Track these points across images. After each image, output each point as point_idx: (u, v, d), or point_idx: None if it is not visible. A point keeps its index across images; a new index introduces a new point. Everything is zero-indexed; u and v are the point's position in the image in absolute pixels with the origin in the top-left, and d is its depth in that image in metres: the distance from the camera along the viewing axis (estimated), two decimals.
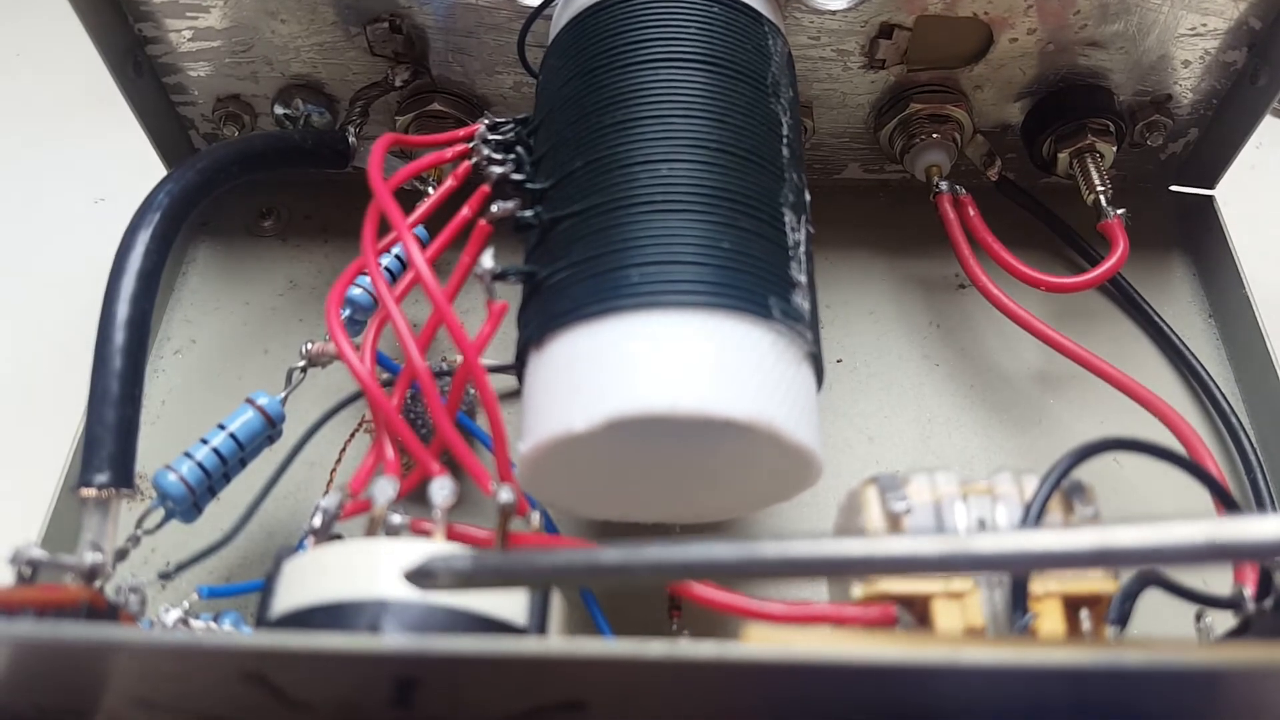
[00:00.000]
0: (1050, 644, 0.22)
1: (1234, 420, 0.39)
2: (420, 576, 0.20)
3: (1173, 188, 0.46)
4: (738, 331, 0.26)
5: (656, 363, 0.26)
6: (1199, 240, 0.44)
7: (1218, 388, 0.40)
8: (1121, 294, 0.43)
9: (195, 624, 0.29)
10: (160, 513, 0.31)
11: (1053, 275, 0.38)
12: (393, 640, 0.19)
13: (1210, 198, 0.45)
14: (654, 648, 0.18)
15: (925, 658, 0.18)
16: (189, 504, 0.31)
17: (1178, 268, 0.44)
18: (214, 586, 0.32)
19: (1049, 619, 0.23)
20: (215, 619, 0.30)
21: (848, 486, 0.27)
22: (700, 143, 0.29)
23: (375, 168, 0.29)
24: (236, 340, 0.42)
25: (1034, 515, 0.24)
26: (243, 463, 0.32)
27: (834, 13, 0.37)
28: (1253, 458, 0.38)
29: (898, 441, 0.39)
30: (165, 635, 0.19)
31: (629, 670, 0.19)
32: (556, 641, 0.22)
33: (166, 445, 0.37)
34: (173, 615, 0.29)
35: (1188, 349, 0.41)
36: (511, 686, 0.20)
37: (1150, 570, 0.24)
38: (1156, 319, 0.42)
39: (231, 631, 0.29)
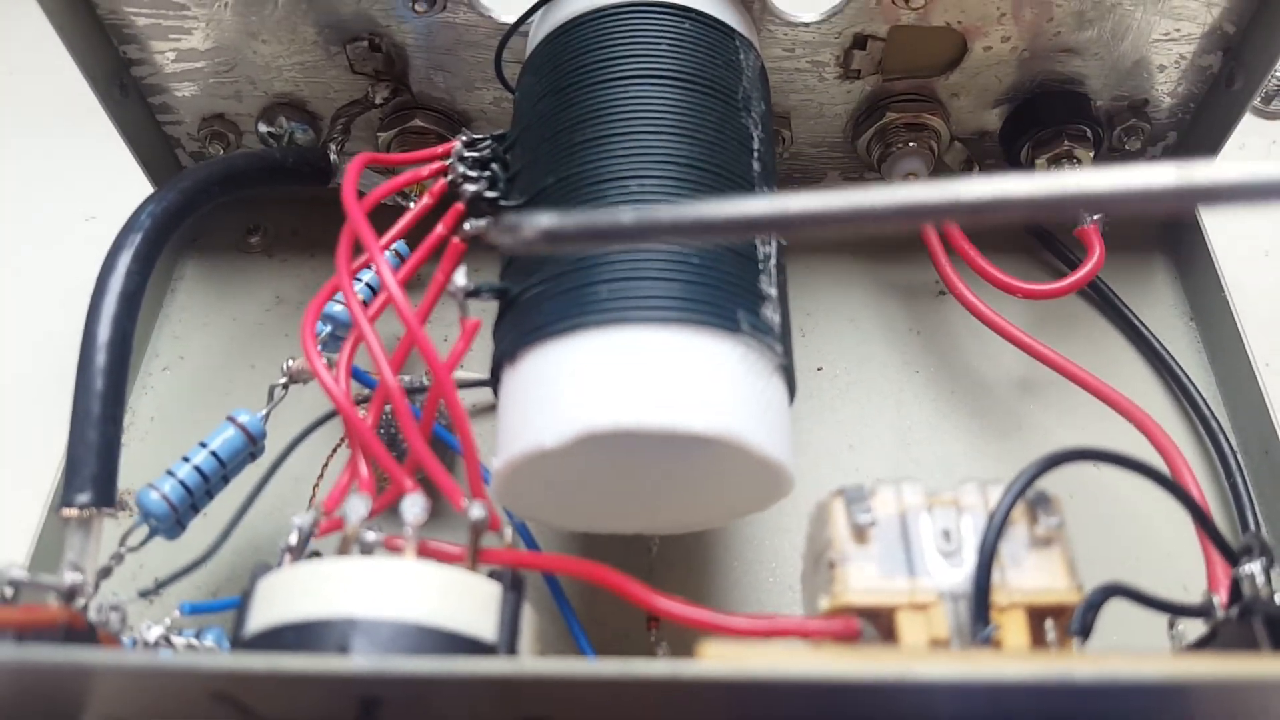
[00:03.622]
0: (1005, 657, 0.22)
1: (1214, 423, 0.39)
2: (504, 232, 0.20)
3: None
4: (706, 346, 0.27)
5: (624, 378, 0.26)
6: (1180, 243, 0.45)
7: (1198, 391, 0.40)
8: (1102, 297, 0.43)
9: (177, 640, 0.30)
10: (144, 530, 0.31)
11: (1029, 282, 0.38)
12: (352, 661, 0.20)
13: None
14: (608, 666, 0.18)
15: (874, 672, 0.18)
16: (172, 521, 0.31)
17: (1159, 271, 0.44)
18: (195, 603, 0.33)
19: (1012, 631, 0.23)
20: (198, 635, 0.31)
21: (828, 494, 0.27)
22: (669, 158, 0.29)
23: (349, 189, 0.29)
24: (224, 356, 0.43)
25: (996, 525, 0.24)
26: (225, 479, 0.33)
27: (808, 25, 0.38)
28: (1232, 460, 0.38)
29: (878, 448, 0.39)
30: (130, 657, 0.19)
31: (587, 687, 0.19)
32: (512, 662, 0.23)
33: (156, 461, 0.37)
34: (154, 632, 0.29)
35: (1167, 352, 0.41)
36: (475, 704, 0.20)
37: (1112, 582, 0.24)
38: (1137, 322, 0.42)
39: (198, 652, 0.30)
